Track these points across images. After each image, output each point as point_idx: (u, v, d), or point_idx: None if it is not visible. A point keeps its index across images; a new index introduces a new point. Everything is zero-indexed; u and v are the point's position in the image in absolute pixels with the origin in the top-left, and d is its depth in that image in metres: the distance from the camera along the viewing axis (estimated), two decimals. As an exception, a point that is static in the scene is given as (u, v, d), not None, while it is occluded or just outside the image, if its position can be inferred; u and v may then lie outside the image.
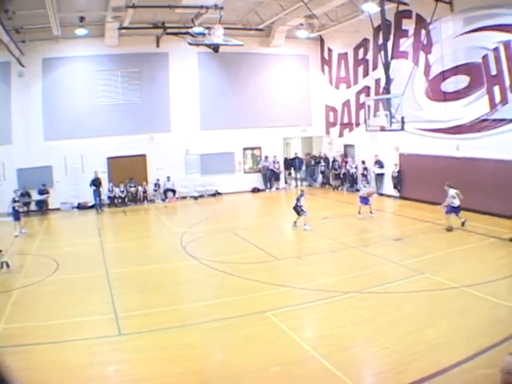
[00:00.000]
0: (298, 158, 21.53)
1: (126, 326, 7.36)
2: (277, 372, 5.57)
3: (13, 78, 19.16)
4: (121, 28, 18.96)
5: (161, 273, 10.37)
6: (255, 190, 20.46)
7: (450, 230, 11.94)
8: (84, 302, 8.69)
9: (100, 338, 7.07)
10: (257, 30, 20.73)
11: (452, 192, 11.96)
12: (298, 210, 13.00)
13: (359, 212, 14.25)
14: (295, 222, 13.21)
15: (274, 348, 6.20)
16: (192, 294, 9.07)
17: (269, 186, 20.60)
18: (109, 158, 19.37)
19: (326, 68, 21.58)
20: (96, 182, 18.79)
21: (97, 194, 18.79)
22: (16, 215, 14.65)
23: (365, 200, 14.29)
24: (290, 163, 21.69)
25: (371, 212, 14.29)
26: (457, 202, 11.87)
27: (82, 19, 18.41)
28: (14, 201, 14.87)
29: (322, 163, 20.77)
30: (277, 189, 20.76)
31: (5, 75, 19.11)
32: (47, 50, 19.21)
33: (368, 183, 16.38)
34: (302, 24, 20.64)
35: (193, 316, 7.72)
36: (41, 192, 19.03)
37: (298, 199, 13.05)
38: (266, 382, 5.42)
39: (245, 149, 20.77)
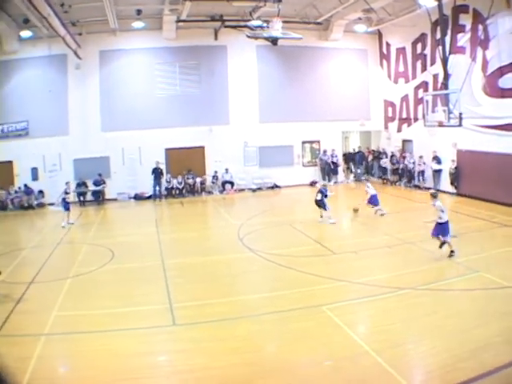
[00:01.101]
0: (359, 152, 23.87)
1: (181, 317, 8.08)
2: (330, 366, 6.17)
3: (69, 70, 21.81)
4: (178, 21, 20.83)
5: (217, 264, 11.33)
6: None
7: (451, 255, 10.80)
8: (139, 291, 9.52)
9: (154, 328, 7.79)
10: (315, 23, 23.80)
11: (439, 204, 10.91)
12: (319, 204, 15.10)
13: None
14: (321, 216, 15.24)
15: (329, 342, 6.82)
16: (248, 286, 9.95)
17: (327, 179, 22.75)
18: (167, 150, 21.70)
19: (385, 62, 23.60)
20: (156, 172, 21.33)
21: (156, 183, 21.33)
22: (66, 206, 16.80)
23: (374, 199, 15.74)
24: (349, 157, 23.97)
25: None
26: (445, 217, 10.81)
27: (139, 12, 20.20)
28: (66, 192, 17.02)
29: (384, 158, 22.89)
30: (335, 183, 22.97)
31: (62, 67, 21.70)
32: (104, 42, 21.62)
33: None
34: (359, 18, 22.25)
35: (248, 308, 8.47)
36: (96, 182, 21.38)
37: (318, 194, 15.23)
38: (319, 376, 5.96)
39: (304, 142, 23.07)
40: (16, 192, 22.12)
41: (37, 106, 22.10)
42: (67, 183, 17.80)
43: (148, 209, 20.50)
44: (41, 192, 22.07)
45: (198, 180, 21.67)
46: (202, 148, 22.15)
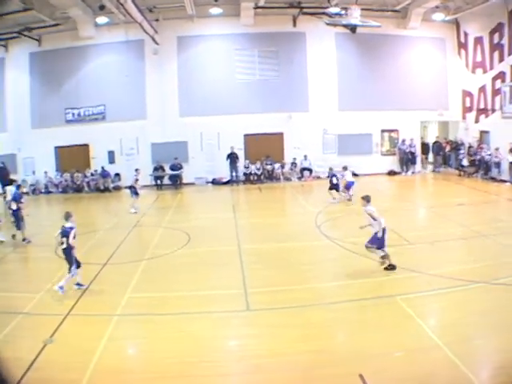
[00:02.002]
0: (437, 142, 23.59)
1: (255, 302, 8.09)
2: (400, 357, 6.15)
3: (147, 56, 22.05)
4: (256, 7, 21.04)
5: (293, 251, 11.23)
6: (391, 173, 22.49)
7: (391, 267, 9.38)
8: (214, 275, 9.59)
9: (228, 313, 7.82)
10: (393, 11, 24.27)
11: (370, 209, 9.48)
12: (334, 188, 16.47)
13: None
14: (334, 198, 16.43)
15: (400, 333, 6.78)
16: (323, 273, 9.85)
17: (405, 169, 22.59)
18: (246, 135, 21.82)
19: (463, 52, 23.25)
20: (232, 157, 21.46)
21: (232, 168, 21.43)
22: (135, 192, 16.89)
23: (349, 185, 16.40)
24: (427, 147, 23.78)
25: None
26: (377, 227, 9.35)
27: (216, -2, 21.18)
28: (136, 180, 17.05)
29: (462, 150, 22.49)
30: (413, 172, 22.67)
31: (139, 53, 21.97)
32: (181, 28, 21.84)
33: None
34: (437, 6, 23.14)
35: (322, 296, 8.45)
36: (173, 167, 21.57)
37: (330, 180, 16.57)
38: (389, 367, 5.94)
39: (382, 131, 22.88)
40: (92, 175, 22.31)
41: (113, 90, 22.38)
42: (137, 170, 17.78)
43: (225, 194, 20.55)
44: (117, 175, 22.22)
45: (277, 166, 21.48)
46: (280, 134, 22.11)
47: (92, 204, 20.55)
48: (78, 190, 22.23)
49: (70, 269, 9.20)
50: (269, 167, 21.65)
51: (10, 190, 14.75)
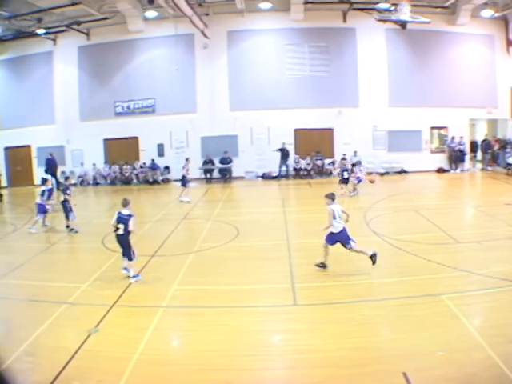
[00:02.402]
0: (486, 140, 23.57)
1: (302, 297, 8.10)
2: (443, 357, 6.05)
3: (197, 50, 22.27)
4: (306, 2, 21.09)
5: (341, 247, 10.99)
6: (440, 171, 22.42)
7: (322, 266, 9.27)
8: (262, 269, 9.55)
9: (274, 307, 7.82)
10: (442, 7, 24.33)
11: (334, 208, 9.06)
12: (345, 181, 17.18)
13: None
14: (350, 192, 17.05)
15: (444, 332, 6.67)
16: (370, 270, 9.59)
17: (453, 167, 22.53)
18: (296, 130, 21.90)
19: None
20: (283, 152, 21.33)
21: (282, 163, 21.40)
22: (185, 182, 17.27)
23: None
24: (476, 145, 23.77)
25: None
26: (339, 226, 9.06)
27: (266, -7, 21.45)
28: (187, 169, 17.38)
29: (508, 148, 22.38)
30: (461, 170, 22.61)
31: (189, 47, 22.18)
32: (231, 23, 22.04)
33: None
34: (486, 3, 23.54)
35: (368, 292, 8.44)
36: (223, 160, 21.69)
37: (342, 174, 17.29)
38: (432, 366, 5.87)
39: (432, 128, 22.80)
40: (141, 167, 22.37)
41: (163, 83, 22.56)
42: (187, 159, 18.04)
43: (275, 188, 20.57)
44: (166, 168, 22.27)
45: (326, 161, 21.51)
46: (330, 130, 22.11)
47: (141, 196, 20.65)
48: (127, 182, 22.38)
49: (125, 254, 9.34)
50: (318, 162, 21.63)
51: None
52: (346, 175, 17.22)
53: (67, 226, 13.71)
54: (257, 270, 9.57)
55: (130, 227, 9.10)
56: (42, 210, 14.02)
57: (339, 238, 9.20)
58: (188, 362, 6.40)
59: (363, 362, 6.05)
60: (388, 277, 9.25)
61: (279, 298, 8.17)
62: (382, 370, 5.82)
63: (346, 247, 9.23)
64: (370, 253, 9.13)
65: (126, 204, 9.32)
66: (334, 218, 9.09)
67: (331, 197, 9.18)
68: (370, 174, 21.31)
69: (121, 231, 9.13)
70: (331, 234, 9.20)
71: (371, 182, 18.84)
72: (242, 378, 6.00)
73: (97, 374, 6.31)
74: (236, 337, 6.83)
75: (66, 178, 15.39)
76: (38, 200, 14.33)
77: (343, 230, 9.18)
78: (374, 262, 9.06)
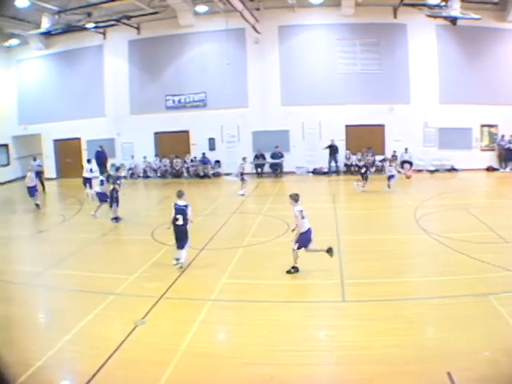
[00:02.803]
0: None
1: (351, 294, 8.13)
2: (488, 357, 6.02)
3: (248, 44, 22.42)
4: None
5: (391, 244, 11.14)
6: (489, 169, 22.27)
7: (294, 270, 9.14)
8: (311, 265, 9.50)
9: (323, 303, 7.90)
10: (492, 3, 24.15)
11: (299, 209, 9.06)
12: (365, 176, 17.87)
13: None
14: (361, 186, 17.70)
15: (490, 333, 6.59)
16: (418, 268, 9.78)
17: (503, 165, 22.37)
18: (347, 126, 22.00)
19: None
20: (332, 148, 21.51)
21: (331, 159, 21.59)
22: (243, 178, 17.69)
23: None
24: None
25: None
26: (306, 226, 9.03)
27: (316, -12, 22.11)
28: (243, 168, 17.83)
29: None
30: (511, 169, 22.47)
31: (240, 41, 22.34)
32: (283, 17, 22.11)
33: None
34: None
35: (415, 290, 8.43)
36: (274, 155, 21.89)
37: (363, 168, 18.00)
38: (476, 365, 5.82)
39: (482, 125, 22.65)
40: (192, 161, 22.53)
41: (214, 78, 22.72)
42: (244, 159, 18.42)
43: (325, 184, 20.72)
44: (217, 162, 22.39)
45: (378, 158, 21.54)
46: (381, 126, 22.14)
47: (191, 190, 20.83)
48: (177, 175, 22.55)
49: (182, 244, 9.59)
50: (370, 159, 21.64)
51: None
52: (363, 170, 18.08)
53: (114, 218, 14.20)
54: (306, 265, 9.53)
55: (190, 216, 9.46)
56: (104, 198, 14.68)
57: (307, 238, 9.12)
58: (233, 355, 6.45)
59: (408, 360, 6.05)
60: (435, 275, 9.25)
61: (327, 294, 8.26)
62: (426, 369, 5.82)
63: (305, 248, 9.18)
64: (326, 248, 9.33)
65: (180, 195, 9.66)
66: (303, 217, 9.10)
67: (295, 198, 9.18)
68: (419, 171, 21.43)
69: (180, 221, 9.39)
70: (301, 235, 9.11)
71: (407, 177, 19.14)
72: (287, 372, 6.02)
73: (142, 365, 6.36)
74: (282, 332, 6.88)
75: (117, 169, 15.76)
76: (97, 189, 15.20)
77: (309, 230, 9.14)
78: (331, 255, 9.32)
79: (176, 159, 22.94)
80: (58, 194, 23.18)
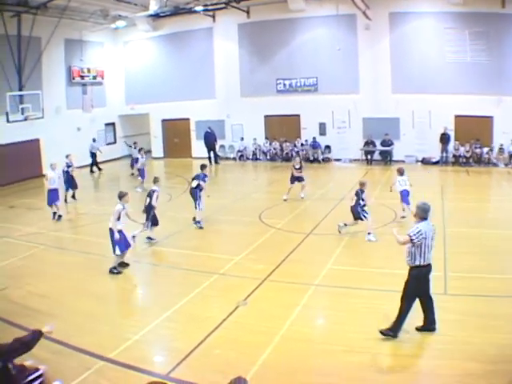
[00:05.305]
0: None
1: (453, 287, 8.17)
2: None
3: (359, 30, 23.03)
4: None
5: (498, 239, 11.01)
6: None
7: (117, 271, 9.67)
8: None
9: None
10: None
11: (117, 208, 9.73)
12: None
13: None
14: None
15: None
16: None
17: None
18: (456, 116, 22.21)
19: None
20: (444, 137, 22.10)
21: (443, 149, 22.09)
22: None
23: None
24: None
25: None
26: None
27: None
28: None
29: None
30: None
31: (351, 27, 22.98)
32: (393, 4, 22.52)
33: None
34: None
35: None
36: (384, 143, 22.66)
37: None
38: None
39: None
40: (302, 145, 23.11)
41: (325, 63, 23.47)
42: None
43: (434, 174, 21.09)
44: (327, 147, 22.96)
45: (485, 150, 21.66)
46: (489, 118, 22.27)
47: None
48: (287, 159, 23.25)
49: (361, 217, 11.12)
50: (478, 150, 21.86)
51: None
52: None
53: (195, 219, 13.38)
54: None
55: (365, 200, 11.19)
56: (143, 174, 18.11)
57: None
58: (333, 341, 6.67)
59: (505, 358, 6.02)
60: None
61: (430, 286, 8.00)
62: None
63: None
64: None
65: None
66: (118, 219, 9.59)
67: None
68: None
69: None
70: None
71: None
72: (386, 362, 6.22)
73: (240, 345, 6.63)
74: (382, 321, 6.88)
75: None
76: (140, 166, 18.21)
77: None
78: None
79: (285, 143, 23.63)
80: (164, 173, 24.23)
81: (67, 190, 16.83)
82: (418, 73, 22.62)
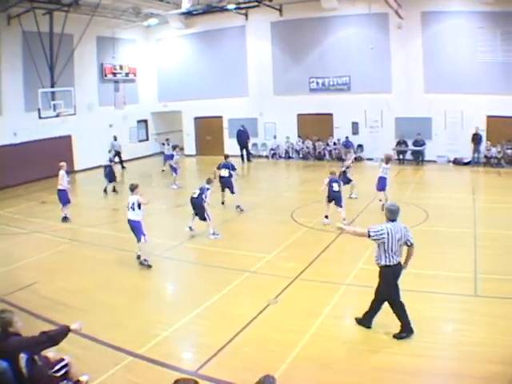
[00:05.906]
0: None
1: (483, 289, 8.14)
2: None
3: (391, 29, 23.14)
4: None
5: None
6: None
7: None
8: (446, 256, 9.77)
9: (453, 295, 7.96)
10: None
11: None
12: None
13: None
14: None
15: None
16: None
17: None
18: (488, 116, 22.26)
19: None
20: (476, 138, 22.30)
21: (475, 149, 22.28)
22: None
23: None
24: None
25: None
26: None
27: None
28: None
29: None
30: None
31: (383, 26, 23.18)
32: (425, 3, 22.64)
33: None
34: None
35: None
36: (416, 143, 22.96)
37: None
38: None
39: None
40: (334, 144, 23.47)
41: (358, 62, 23.76)
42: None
43: (465, 175, 21.24)
44: (360, 146, 23.30)
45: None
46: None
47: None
48: (319, 157, 23.66)
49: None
50: (509, 152, 22.06)
51: None
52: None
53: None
54: (441, 256, 9.79)
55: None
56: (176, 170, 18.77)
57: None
58: (363, 341, 6.80)
59: None
60: None
61: (460, 287, 8.32)
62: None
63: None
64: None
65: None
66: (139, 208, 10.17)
67: (130, 187, 10.45)
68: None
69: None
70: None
71: None
72: (412, 362, 6.23)
73: (269, 343, 6.72)
74: (414, 321, 6.88)
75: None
76: (174, 162, 18.80)
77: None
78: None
79: (318, 142, 24.02)
80: (196, 170, 24.71)
81: (110, 182, 18.15)
82: (450, 73, 22.81)
